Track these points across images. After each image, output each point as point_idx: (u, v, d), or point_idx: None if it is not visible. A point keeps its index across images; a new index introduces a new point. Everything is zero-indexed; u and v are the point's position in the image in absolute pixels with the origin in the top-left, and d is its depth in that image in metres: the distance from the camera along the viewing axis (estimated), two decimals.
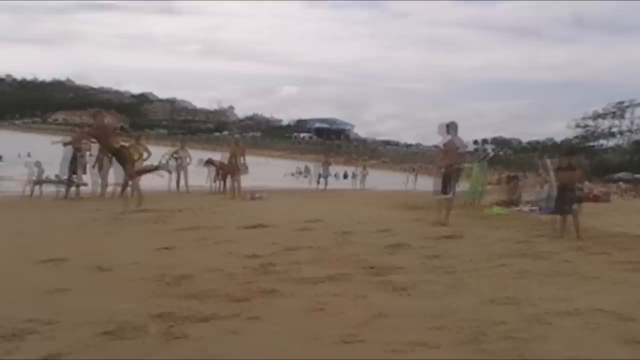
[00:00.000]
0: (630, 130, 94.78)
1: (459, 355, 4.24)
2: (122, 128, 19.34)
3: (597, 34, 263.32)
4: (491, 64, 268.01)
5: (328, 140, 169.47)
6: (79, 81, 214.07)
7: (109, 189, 17.56)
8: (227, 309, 5.13)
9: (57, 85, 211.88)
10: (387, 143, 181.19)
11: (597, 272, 7.79)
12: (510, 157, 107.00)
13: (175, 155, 21.85)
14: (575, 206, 12.13)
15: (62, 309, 4.93)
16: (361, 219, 13.01)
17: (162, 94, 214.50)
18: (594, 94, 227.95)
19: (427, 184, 40.70)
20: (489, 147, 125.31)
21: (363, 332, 4.63)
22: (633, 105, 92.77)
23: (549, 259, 8.81)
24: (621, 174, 67.67)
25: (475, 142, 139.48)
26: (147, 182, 17.30)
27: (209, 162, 23.07)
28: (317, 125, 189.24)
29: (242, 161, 20.45)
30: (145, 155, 18.31)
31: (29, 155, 29.84)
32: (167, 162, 21.10)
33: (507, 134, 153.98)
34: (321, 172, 31.27)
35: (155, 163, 18.67)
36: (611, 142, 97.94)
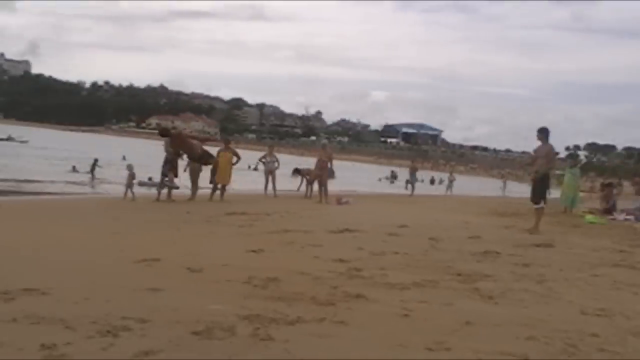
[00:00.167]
0: None
1: None
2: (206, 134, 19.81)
3: None
4: (587, 67, 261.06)
5: (416, 145, 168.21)
6: (172, 87, 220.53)
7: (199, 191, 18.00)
8: (313, 313, 5.17)
9: (151, 91, 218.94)
10: (475, 148, 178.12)
11: None
12: (605, 164, 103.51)
13: (263, 160, 22.19)
14: None
15: (155, 308, 5.09)
16: (448, 225, 12.86)
17: (252, 99, 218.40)
18: None
19: (516, 190, 40.02)
20: (582, 154, 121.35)
21: (449, 340, 4.58)
22: None
23: None
24: None
25: (568, 148, 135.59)
26: (239, 186, 17.68)
27: (297, 172, 23.29)
28: (405, 130, 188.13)
29: (329, 166, 20.51)
30: (234, 159, 18.69)
31: (123, 158, 30.95)
32: (256, 166, 21.45)
33: (602, 140, 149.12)
34: (408, 177, 31.06)
35: (245, 167, 19.00)
36: None
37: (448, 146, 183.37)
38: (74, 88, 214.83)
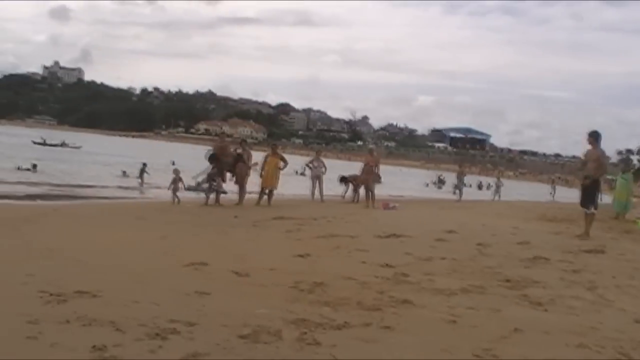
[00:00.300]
0: None
1: None
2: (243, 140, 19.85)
3: None
4: (638, 69, 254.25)
5: (463, 150, 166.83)
6: (220, 92, 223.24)
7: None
8: (360, 318, 5.17)
9: (200, 97, 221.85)
10: (524, 153, 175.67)
11: None
12: None
13: (310, 165, 22.26)
14: None
15: (202, 312, 5.14)
16: (496, 231, 12.70)
17: (298, 104, 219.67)
18: None
19: (566, 195, 39.31)
20: (635, 158, 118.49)
21: (497, 347, 4.53)
22: None
23: None
24: None
25: (620, 152, 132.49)
26: (287, 190, 17.69)
27: (344, 180, 23.25)
28: (452, 134, 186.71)
29: (375, 170, 20.45)
30: (281, 164, 18.80)
31: (172, 163, 31.36)
32: (303, 171, 21.50)
33: None
34: (456, 182, 30.79)
35: (292, 172, 19.10)
36: None
37: (496, 151, 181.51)
38: (124, 94, 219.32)
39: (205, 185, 17.33)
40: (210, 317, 4.99)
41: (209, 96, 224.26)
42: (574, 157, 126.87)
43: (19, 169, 28.02)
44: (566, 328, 5.16)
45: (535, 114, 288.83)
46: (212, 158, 17.01)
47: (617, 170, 22.62)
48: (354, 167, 26.08)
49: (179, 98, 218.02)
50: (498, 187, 35.18)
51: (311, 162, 22.27)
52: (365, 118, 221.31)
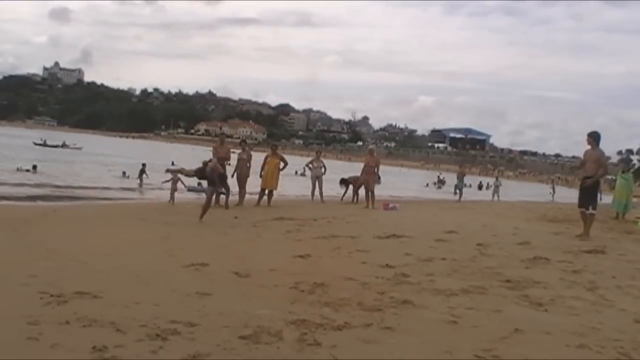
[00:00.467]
0: None
1: None
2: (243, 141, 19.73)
3: None
4: (639, 69, 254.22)
5: (463, 150, 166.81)
6: (220, 93, 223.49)
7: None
8: (360, 319, 5.17)
9: (200, 98, 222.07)
10: (524, 153, 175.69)
11: None
12: None
13: (310, 165, 22.24)
14: None
15: (203, 312, 5.15)
16: (497, 231, 12.69)
17: (299, 105, 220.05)
18: None
19: (566, 195, 39.31)
20: (635, 158, 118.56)
21: (498, 348, 4.53)
22: None
23: None
24: None
25: (620, 152, 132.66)
26: (287, 191, 17.68)
27: (344, 182, 23.21)
28: (453, 135, 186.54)
29: (376, 171, 20.43)
30: (281, 165, 18.79)
31: (172, 164, 31.30)
32: (303, 172, 21.48)
33: None
34: (457, 182, 30.76)
35: (292, 173, 19.07)
36: None
37: (496, 151, 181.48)
38: (124, 95, 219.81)
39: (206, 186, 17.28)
40: (211, 317, 5.00)
41: (209, 97, 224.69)
42: (574, 157, 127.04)
43: (18, 170, 27.99)
44: (567, 328, 5.16)
45: (535, 115, 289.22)
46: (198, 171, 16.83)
47: (617, 170, 22.60)
48: (354, 168, 26.13)
49: (179, 99, 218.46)
50: (497, 187, 35.15)
51: (311, 162, 22.24)
52: (365, 118, 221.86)
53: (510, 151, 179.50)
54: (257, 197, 18.53)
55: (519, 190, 51.38)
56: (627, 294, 6.78)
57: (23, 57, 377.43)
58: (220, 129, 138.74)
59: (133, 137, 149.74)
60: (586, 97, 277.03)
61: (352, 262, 8.19)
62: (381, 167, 21.29)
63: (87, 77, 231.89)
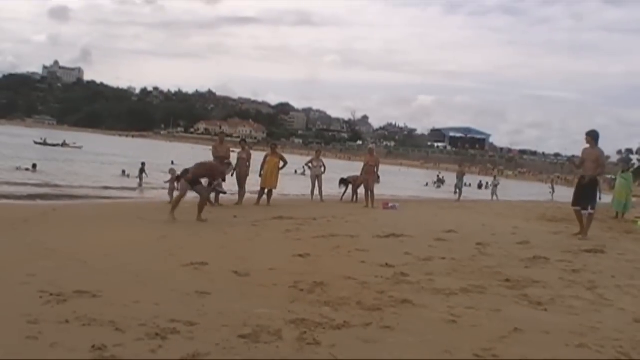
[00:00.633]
0: None
1: None
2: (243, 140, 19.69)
3: None
4: (638, 69, 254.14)
5: (463, 149, 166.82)
6: (219, 92, 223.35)
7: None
8: (360, 318, 5.17)
9: (200, 97, 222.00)
10: (524, 153, 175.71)
11: None
12: None
13: (310, 165, 22.23)
14: None
15: (202, 312, 5.15)
16: (496, 231, 12.70)
17: (298, 104, 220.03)
18: None
19: (565, 195, 39.29)
20: (635, 158, 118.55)
21: (497, 347, 4.53)
22: None
23: None
24: None
25: (620, 152, 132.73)
26: (286, 190, 17.65)
27: (343, 182, 23.19)
28: (452, 134, 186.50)
29: (375, 170, 20.41)
30: (281, 164, 18.78)
31: (172, 163, 31.30)
32: (303, 171, 21.46)
33: None
34: (456, 182, 30.76)
35: (292, 172, 19.04)
36: None
37: (495, 150, 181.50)
38: (124, 94, 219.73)
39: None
40: (210, 316, 5.00)
41: (209, 96, 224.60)
42: (573, 156, 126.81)
43: (18, 169, 28.00)
44: (566, 328, 5.16)
45: (535, 114, 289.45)
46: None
47: (617, 170, 22.61)
48: (354, 167, 26.11)
49: (179, 98, 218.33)
50: (495, 186, 35.16)
51: (311, 161, 22.22)
52: (365, 118, 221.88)
53: (509, 150, 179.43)
54: (256, 196, 18.54)
55: (518, 190, 51.45)
56: (627, 294, 6.78)
57: (23, 56, 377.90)
58: (220, 128, 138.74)
59: (133, 136, 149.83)
60: (586, 96, 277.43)
61: (351, 261, 8.19)
62: (381, 167, 21.25)
63: (87, 76, 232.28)
